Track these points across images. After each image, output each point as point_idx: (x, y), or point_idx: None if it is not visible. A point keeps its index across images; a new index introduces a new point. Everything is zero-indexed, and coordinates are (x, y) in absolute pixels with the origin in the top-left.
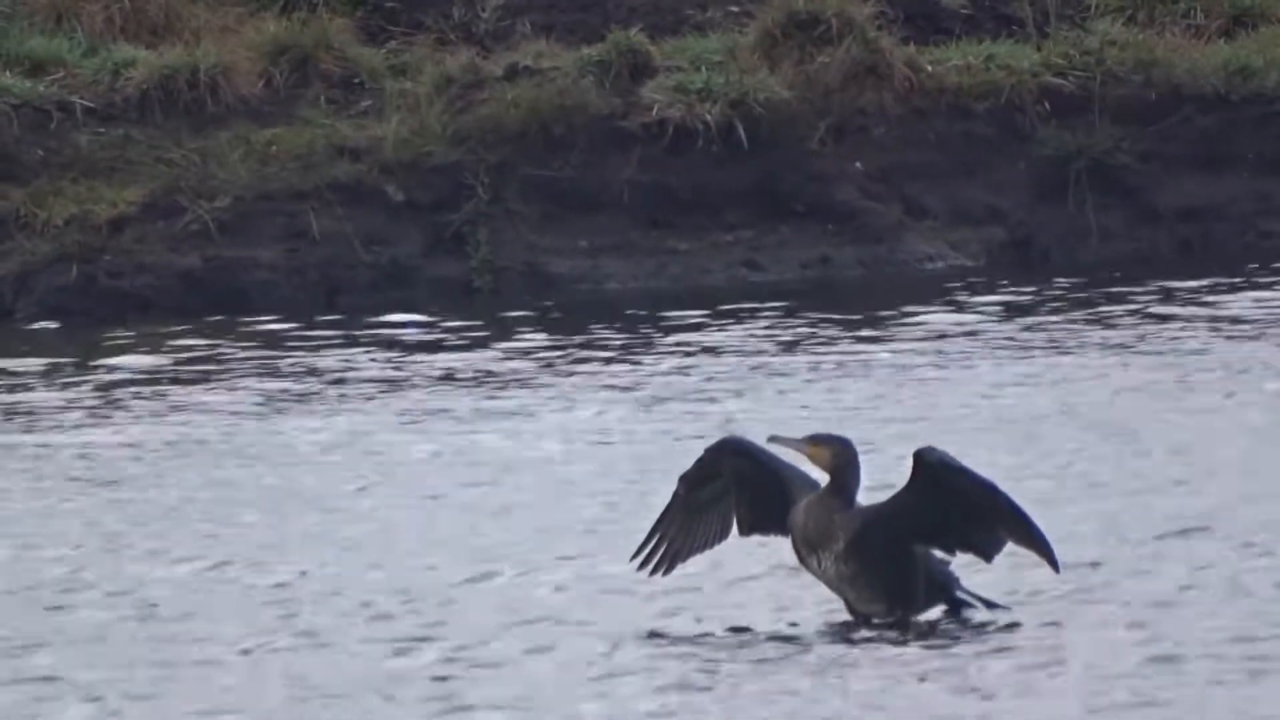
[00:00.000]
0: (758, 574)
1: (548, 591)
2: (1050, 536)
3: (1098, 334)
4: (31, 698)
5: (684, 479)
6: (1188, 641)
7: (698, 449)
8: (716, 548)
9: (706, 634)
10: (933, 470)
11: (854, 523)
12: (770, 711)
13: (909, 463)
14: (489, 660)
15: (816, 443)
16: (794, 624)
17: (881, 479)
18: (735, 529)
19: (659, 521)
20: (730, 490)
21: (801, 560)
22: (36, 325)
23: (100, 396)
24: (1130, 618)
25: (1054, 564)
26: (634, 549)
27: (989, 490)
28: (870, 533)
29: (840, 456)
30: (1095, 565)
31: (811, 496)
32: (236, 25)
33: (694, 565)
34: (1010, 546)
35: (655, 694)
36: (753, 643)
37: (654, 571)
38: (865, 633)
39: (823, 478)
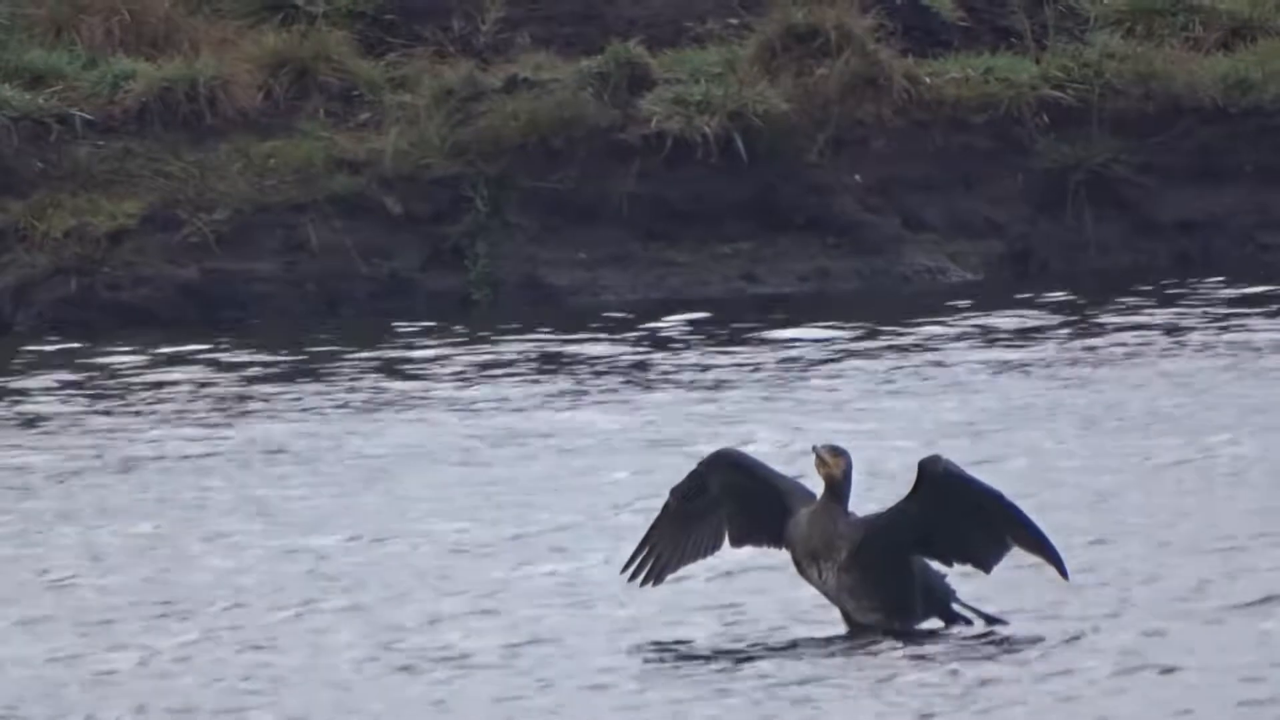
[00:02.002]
0: (757, 582)
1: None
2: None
3: (1096, 346)
4: None
5: (675, 491)
6: (1189, 653)
7: (690, 461)
8: (708, 559)
9: (700, 644)
10: (938, 480)
11: (857, 533)
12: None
13: (911, 473)
14: None
15: (835, 453)
16: (790, 634)
17: (880, 490)
18: (727, 540)
19: (648, 533)
20: (721, 503)
21: (801, 571)
22: (36, 337)
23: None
24: (1128, 631)
25: (1063, 571)
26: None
27: (996, 498)
28: (872, 543)
29: (847, 466)
30: (1094, 576)
31: (814, 507)
32: (235, 38)
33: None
34: (1010, 558)
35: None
36: (750, 653)
37: (643, 583)
38: (862, 643)
39: (817, 488)
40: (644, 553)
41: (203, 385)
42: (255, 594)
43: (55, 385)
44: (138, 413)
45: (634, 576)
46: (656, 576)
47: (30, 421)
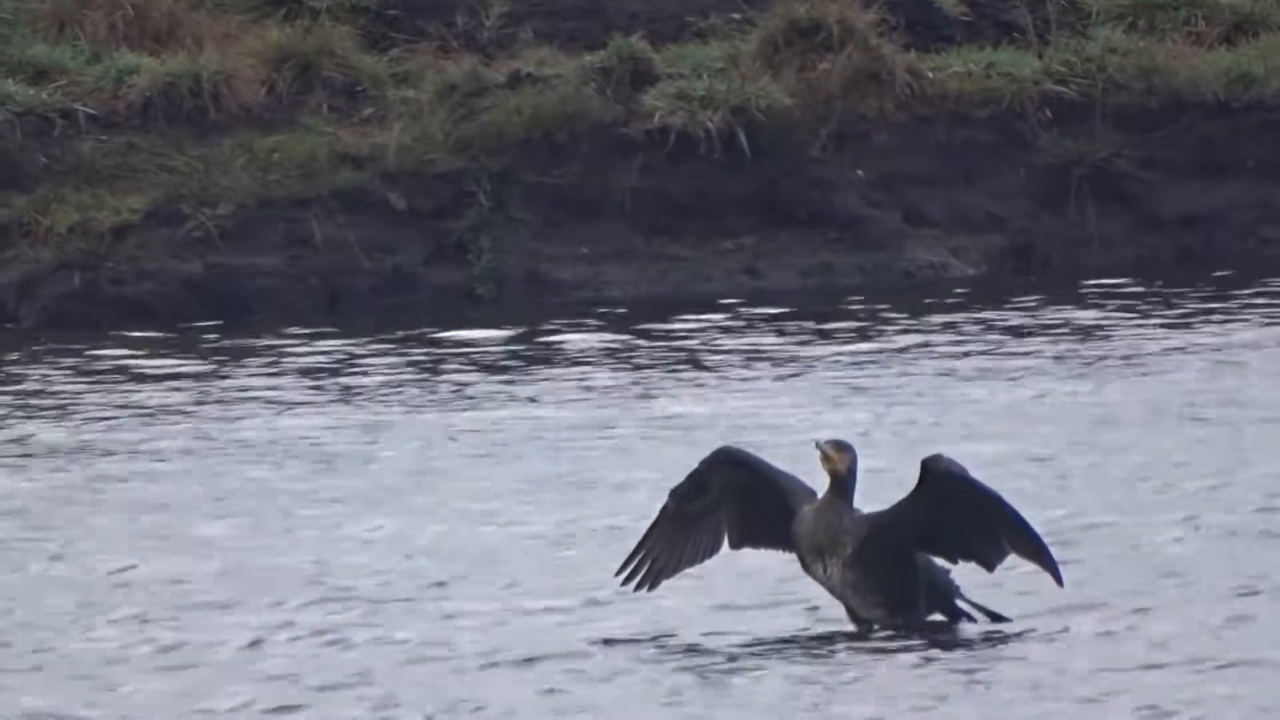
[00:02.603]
0: (757, 579)
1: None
2: (1053, 548)
3: (1099, 341)
4: None
5: (674, 493)
6: (1189, 649)
7: (691, 460)
8: (706, 562)
9: (702, 639)
10: (940, 479)
11: (862, 529)
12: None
13: (915, 470)
14: None
15: (840, 448)
16: (790, 630)
17: (883, 485)
18: (726, 542)
19: (645, 537)
20: (722, 503)
21: (806, 566)
22: (39, 332)
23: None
24: (1129, 627)
25: (1058, 577)
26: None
27: (995, 501)
28: (877, 539)
29: (852, 461)
30: (1092, 573)
31: (819, 502)
32: (239, 32)
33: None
34: (1014, 557)
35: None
36: (751, 648)
37: (638, 587)
38: (865, 639)
39: (821, 483)
40: (640, 556)
41: (206, 379)
42: (308, 589)
43: (59, 379)
44: (143, 407)
45: (628, 581)
46: (652, 581)
47: (34, 413)
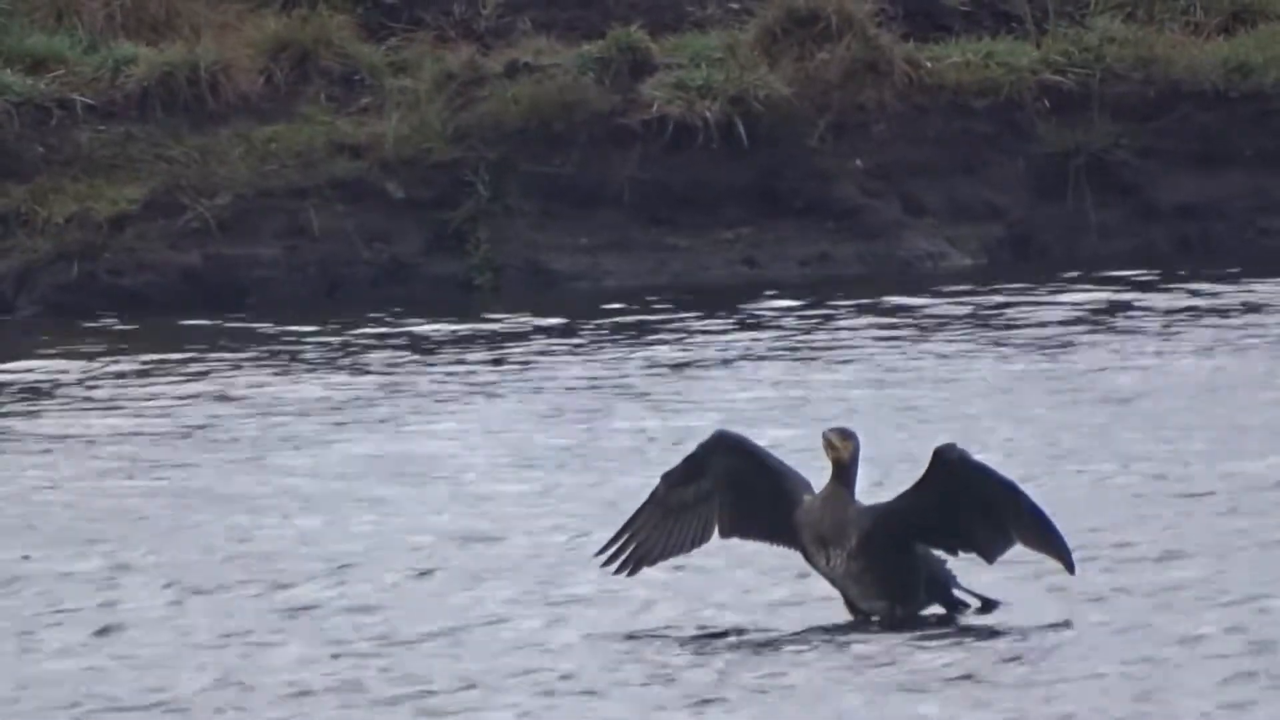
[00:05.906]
0: (755, 572)
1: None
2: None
3: (1096, 330)
4: None
5: (666, 477)
6: (1187, 641)
7: (686, 446)
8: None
9: (703, 634)
10: (953, 468)
11: (866, 519)
12: (769, 712)
13: (909, 461)
14: None
15: (845, 436)
16: (790, 622)
17: (881, 476)
18: (716, 532)
19: (631, 520)
20: (714, 491)
21: (809, 557)
22: (37, 322)
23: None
24: (1127, 616)
25: (1069, 566)
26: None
27: (1009, 490)
28: (881, 530)
29: (855, 450)
30: (1096, 563)
31: (823, 492)
32: (237, 22)
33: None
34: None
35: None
36: (753, 642)
37: (618, 571)
38: (864, 630)
39: (822, 474)
40: (623, 540)
41: (203, 371)
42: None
43: (56, 371)
44: (141, 399)
45: (608, 564)
46: (634, 566)
47: (34, 411)
